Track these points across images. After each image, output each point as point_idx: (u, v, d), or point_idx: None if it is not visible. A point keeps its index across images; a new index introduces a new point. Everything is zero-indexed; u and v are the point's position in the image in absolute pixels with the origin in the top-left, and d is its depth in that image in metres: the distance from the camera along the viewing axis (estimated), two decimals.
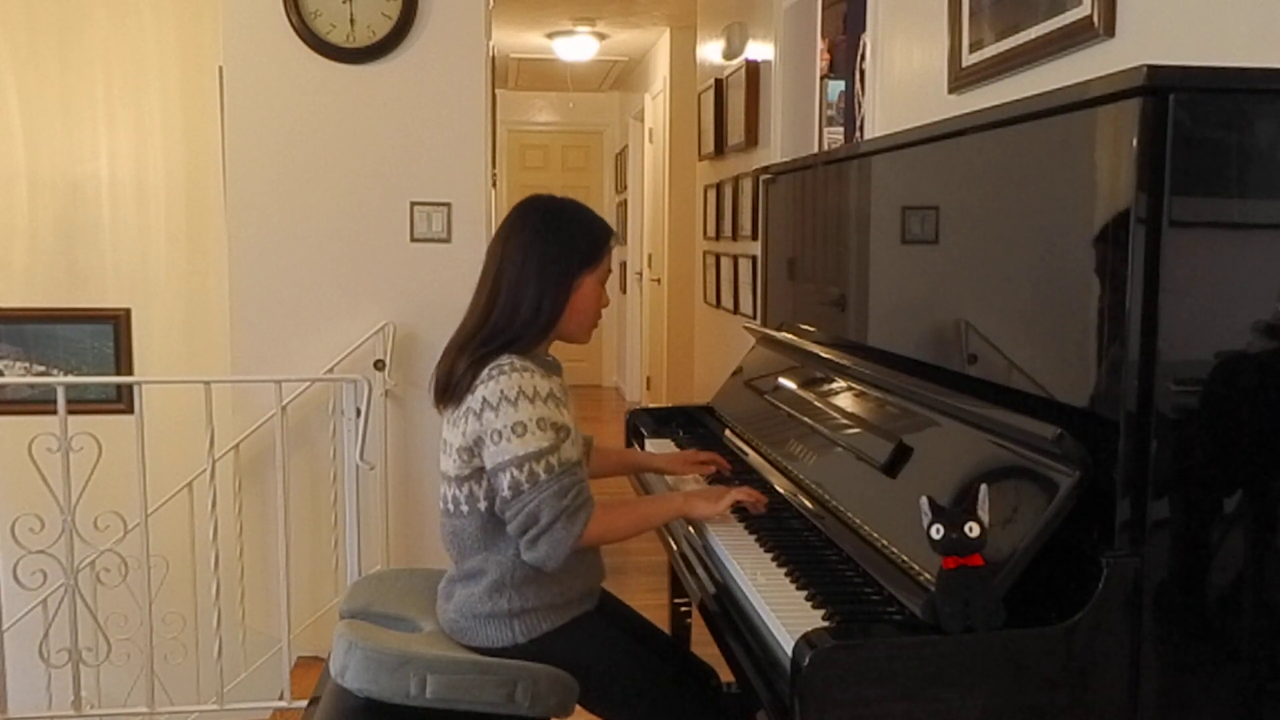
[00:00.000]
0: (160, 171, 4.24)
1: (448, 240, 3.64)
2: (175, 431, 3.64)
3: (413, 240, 3.63)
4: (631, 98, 8.79)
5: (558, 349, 2.03)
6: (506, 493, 1.82)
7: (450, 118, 3.61)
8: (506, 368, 1.84)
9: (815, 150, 3.71)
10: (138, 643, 3.26)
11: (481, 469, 1.87)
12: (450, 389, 1.90)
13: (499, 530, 1.89)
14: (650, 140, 7.77)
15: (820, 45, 3.79)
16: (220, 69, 3.65)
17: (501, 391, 1.82)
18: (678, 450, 2.52)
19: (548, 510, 1.80)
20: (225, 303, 3.68)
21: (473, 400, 1.85)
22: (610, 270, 2.03)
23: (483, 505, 1.89)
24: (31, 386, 3.92)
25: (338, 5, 3.49)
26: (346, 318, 3.58)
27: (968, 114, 1.75)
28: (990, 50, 2.20)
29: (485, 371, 1.85)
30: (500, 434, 1.81)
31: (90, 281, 4.22)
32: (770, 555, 1.78)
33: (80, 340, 4.17)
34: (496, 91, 5.54)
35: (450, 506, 1.94)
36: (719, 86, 5.05)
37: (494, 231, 2.05)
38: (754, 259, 4.09)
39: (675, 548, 2.04)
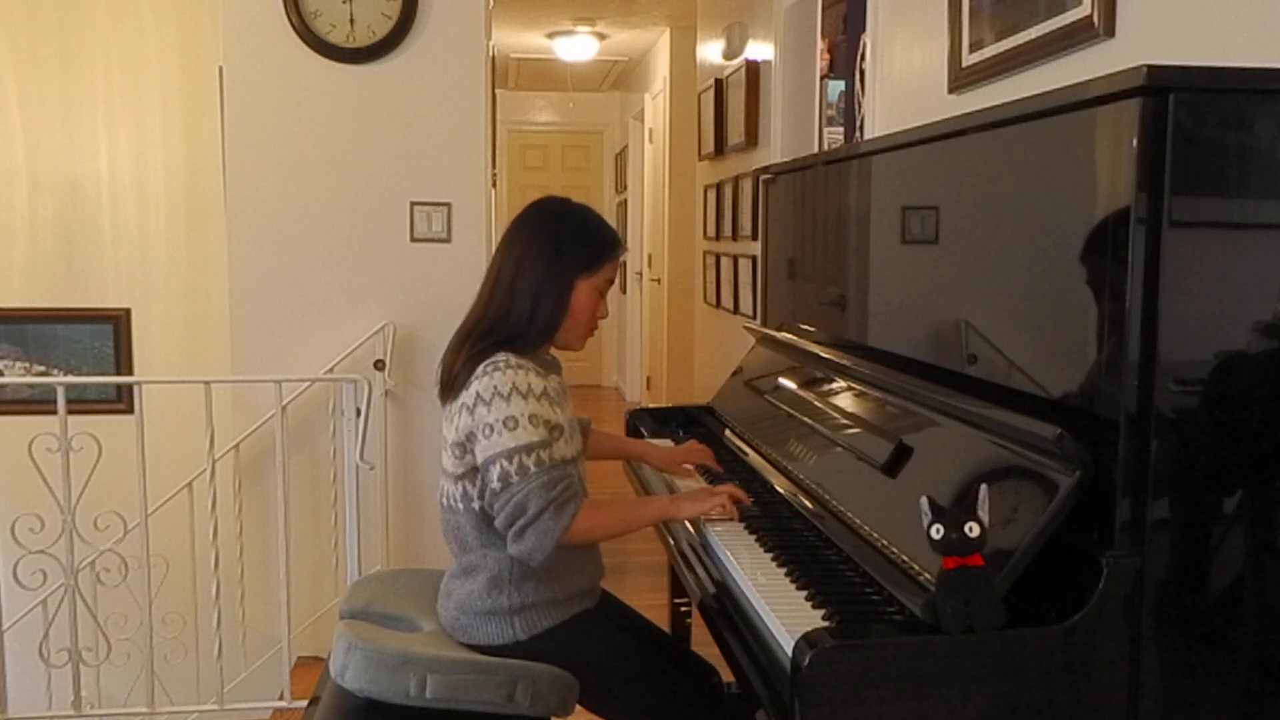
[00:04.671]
0: (160, 171, 4.24)
1: (448, 240, 3.64)
2: (175, 431, 3.64)
3: (413, 240, 3.63)
4: (631, 98, 8.79)
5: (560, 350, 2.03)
6: (495, 484, 1.82)
7: (450, 118, 3.61)
8: (501, 364, 1.85)
9: (815, 150, 3.71)
10: (138, 643, 3.26)
11: (475, 467, 1.87)
12: (449, 384, 1.92)
13: (495, 528, 1.89)
14: (650, 140, 7.77)
15: (820, 45, 3.79)
16: (220, 69, 3.65)
17: (495, 387, 1.83)
18: (675, 447, 2.52)
19: (535, 500, 1.80)
20: (225, 303, 3.68)
21: (466, 395, 1.86)
22: (611, 281, 2.01)
23: (476, 505, 1.89)
24: (31, 386, 3.92)
25: (338, 5, 3.49)
26: (346, 318, 3.58)
27: (968, 114, 1.75)
28: (990, 50, 2.20)
29: (480, 368, 1.86)
30: (491, 428, 1.82)
31: (90, 281, 4.22)
32: (770, 555, 1.78)
33: (80, 340, 4.17)
34: (496, 91, 5.54)
35: (446, 501, 1.95)
36: (719, 86, 5.05)
37: (498, 231, 2.05)
38: (754, 259, 4.09)
39: (675, 547, 2.04)
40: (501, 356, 1.86)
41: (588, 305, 1.97)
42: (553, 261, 1.93)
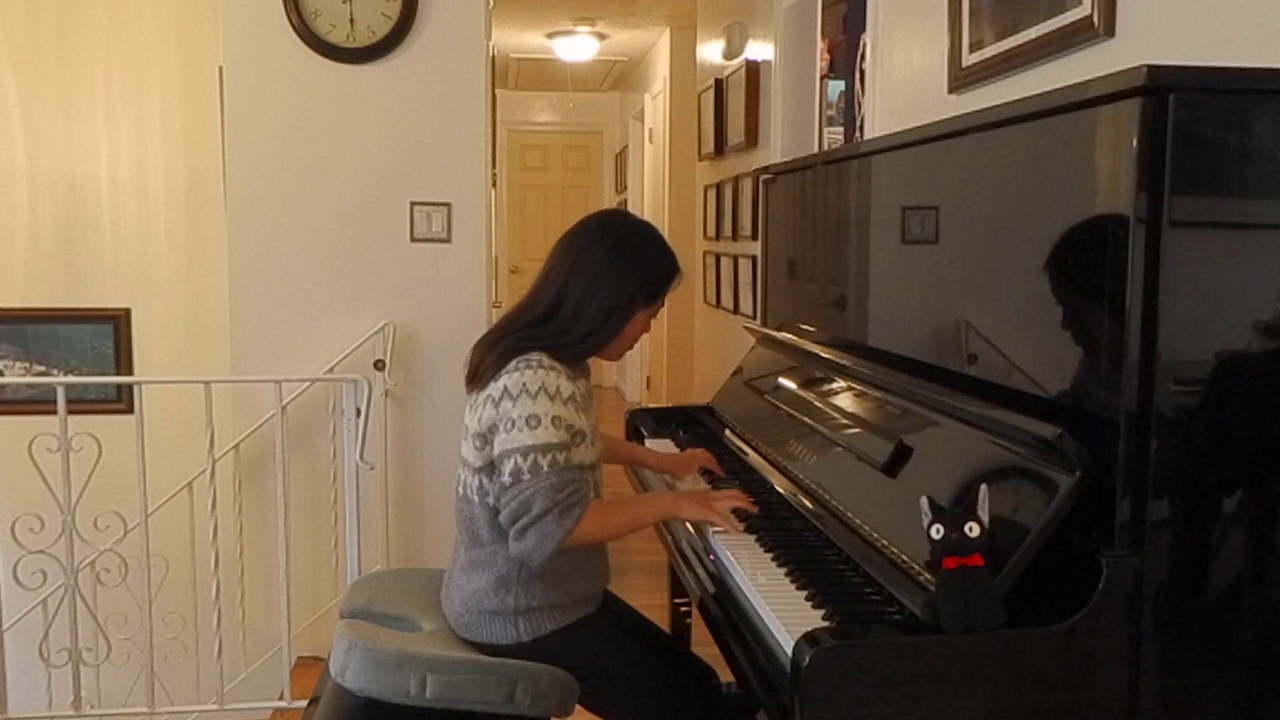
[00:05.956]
0: (160, 171, 4.24)
1: (448, 240, 3.64)
2: (175, 431, 3.64)
3: (413, 240, 3.63)
4: (631, 98, 8.78)
5: None
6: (506, 479, 1.82)
7: (450, 118, 3.61)
8: (534, 363, 1.85)
9: (815, 150, 3.71)
10: (138, 643, 3.26)
11: (493, 462, 1.87)
12: (478, 374, 1.92)
13: None
14: (650, 140, 7.77)
15: (820, 45, 3.79)
16: (220, 69, 3.65)
17: (524, 384, 1.83)
18: (675, 449, 2.52)
19: (541, 500, 1.80)
20: (225, 303, 3.68)
21: (494, 388, 1.86)
22: (662, 304, 2.05)
23: (491, 500, 1.89)
24: (31, 386, 3.92)
25: (338, 5, 3.49)
26: (346, 318, 3.58)
27: (968, 114, 1.75)
28: (990, 50, 2.20)
29: (513, 363, 1.86)
30: (514, 422, 1.82)
31: (90, 281, 4.22)
32: (770, 555, 1.78)
33: (80, 340, 4.17)
34: (496, 91, 5.54)
35: (463, 491, 1.95)
36: (719, 86, 5.05)
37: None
38: (754, 259, 4.10)
39: (675, 547, 2.04)
40: (535, 355, 1.87)
41: (638, 328, 2.00)
42: (624, 293, 1.94)
